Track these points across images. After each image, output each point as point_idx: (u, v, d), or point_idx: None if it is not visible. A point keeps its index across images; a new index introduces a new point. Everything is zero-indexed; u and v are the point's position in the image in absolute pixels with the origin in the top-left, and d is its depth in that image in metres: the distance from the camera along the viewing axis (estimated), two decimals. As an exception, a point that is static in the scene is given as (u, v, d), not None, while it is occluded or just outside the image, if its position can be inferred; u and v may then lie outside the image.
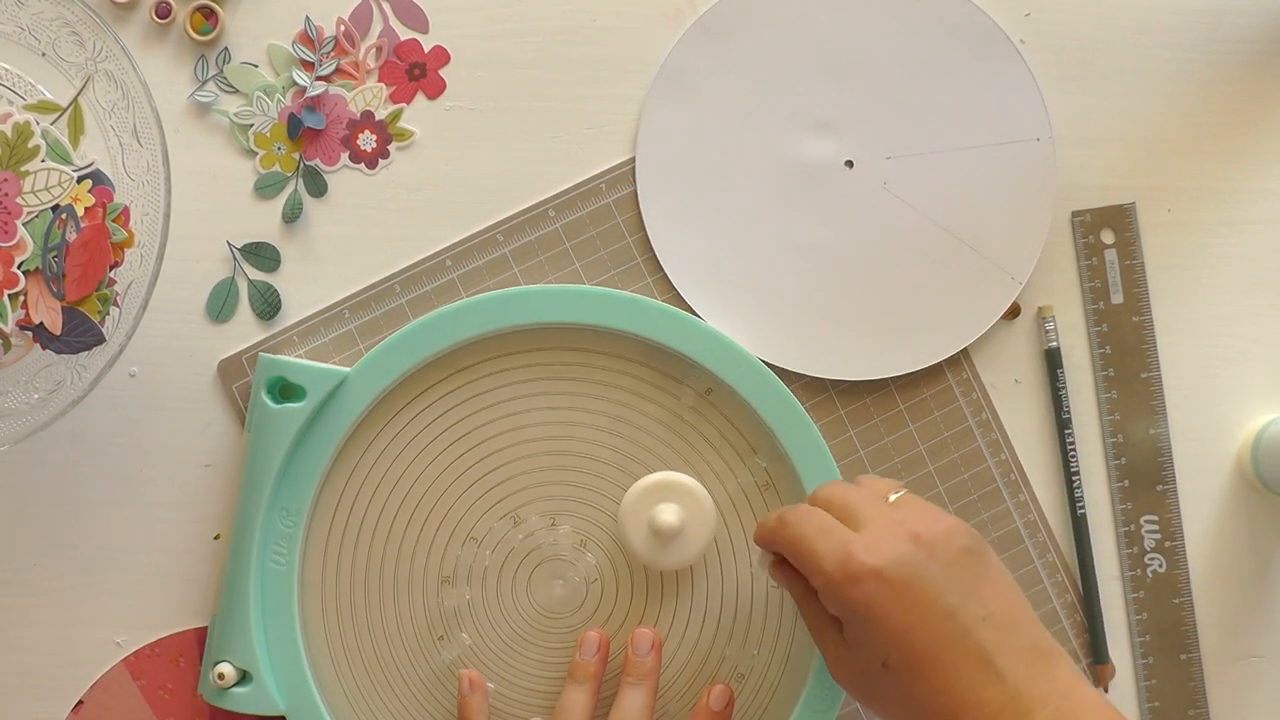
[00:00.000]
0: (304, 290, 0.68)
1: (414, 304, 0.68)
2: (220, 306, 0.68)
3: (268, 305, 0.68)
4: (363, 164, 0.69)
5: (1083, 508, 0.68)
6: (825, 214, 0.68)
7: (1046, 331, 0.69)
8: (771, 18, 0.68)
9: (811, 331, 0.68)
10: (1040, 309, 0.69)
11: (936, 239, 0.68)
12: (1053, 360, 0.69)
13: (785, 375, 0.67)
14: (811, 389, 0.68)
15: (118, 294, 0.62)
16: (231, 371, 0.68)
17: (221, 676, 0.64)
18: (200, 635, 0.67)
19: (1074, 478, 0.68)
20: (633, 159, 0.69)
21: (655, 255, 0.68)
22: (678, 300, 0.68)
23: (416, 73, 0.69)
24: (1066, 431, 0.68)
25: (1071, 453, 0.68)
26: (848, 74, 0.68)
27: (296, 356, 0.67)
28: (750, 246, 0.68)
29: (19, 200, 0.60)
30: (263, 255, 0.68)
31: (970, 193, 0.68)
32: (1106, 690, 0.68)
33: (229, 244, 0.68)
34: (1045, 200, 0.68)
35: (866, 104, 0.68)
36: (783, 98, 0.68)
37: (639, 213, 0.68)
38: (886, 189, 0.68)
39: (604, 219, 0.69)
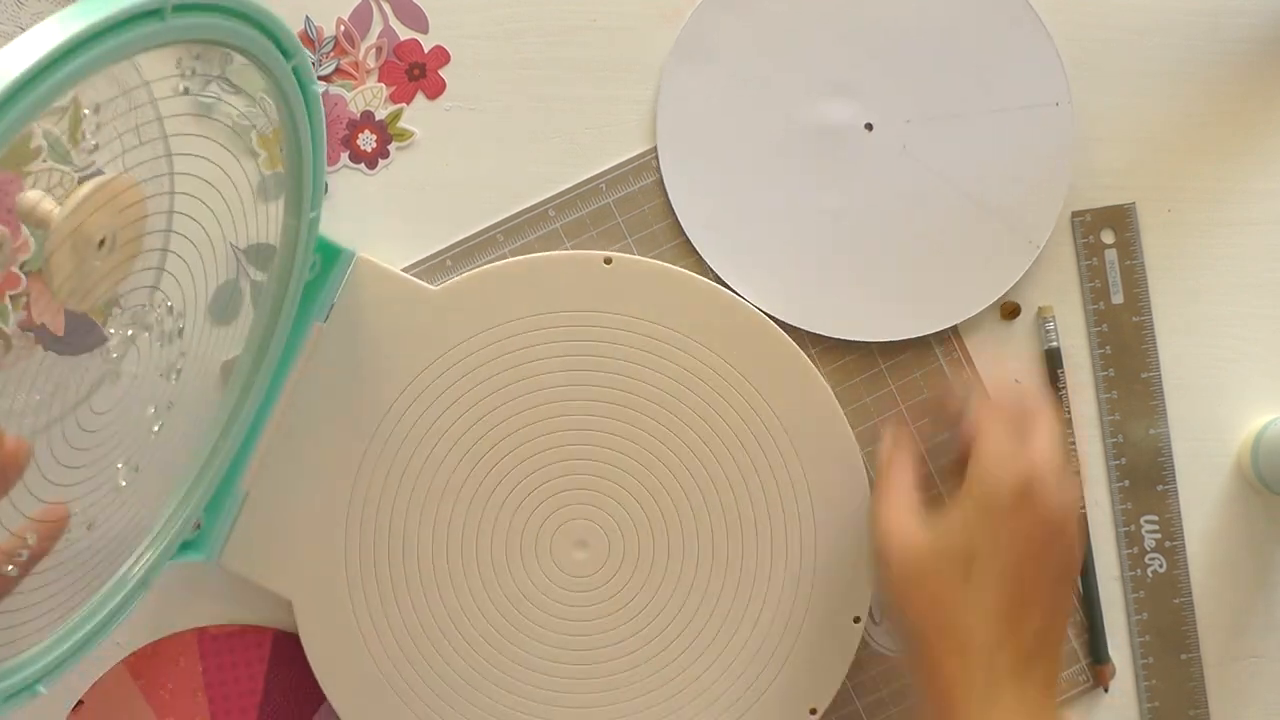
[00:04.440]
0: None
1: (415, 304, 0.68)
2: (224, 308, 0.68)
3: None
4: (363, 164, 0.69)
5: (1083, 507, 0.68)
6: (844, 177, 0.68)
7: (1046, 331, 0.69)
8: None
9: (832, 295, 0.68)
10: (1040, 309, 0.69)
11: (956, 203, 0.68)
12: (1053, 360, 0.69)
13: (799, 336, 0.68)
14: (832, 351, 0.69)
15: (120, 295, 0.62)
16: (232, 372, 0.68)
17: (196, 526, 0.64)
18: (200, 636, 0.67)
19: (1074, 477, 0.68)
20: (630, 160, 0.69)
21: (679, 223, 0.68)
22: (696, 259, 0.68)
23: (416, 73, 0.69)
24: (1067, 432, 0.69)
25: (1072, 452, 0.68)
26: (866, 37, 0.68)
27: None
28: (768, 209, 0.68)
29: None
30: (266, 257, 0.68)
31: (989, 157, 0.68)
32: (1107, 690, 0.68)
33: (231, 245, 0.68)
34: (1064, 166, 0.68)
35: (886, 67, 0.68)
36: (802, 61, 0.68)
37: (663, 199, 0.68)
38: (906, 152, 0.68)
39: (604, 219, 0.69)
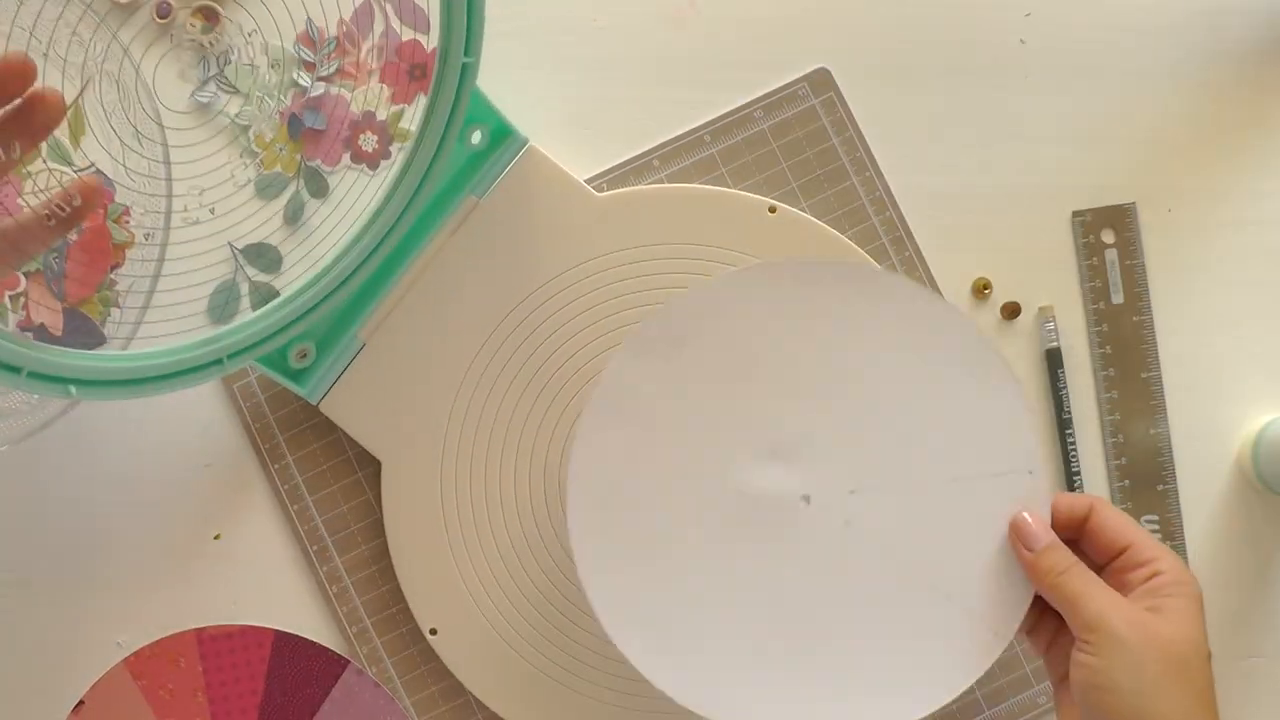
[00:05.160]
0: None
1: (415, 304, 0.68)
2: (222, 307, 0.68)
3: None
4: (364, 164, 0.69)
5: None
6: (778, 556, 0.59)
7: (1047, 331, 0.69)
8: (718, 329, 0.60)
9: (766, 688, 0.59)
10: (1040, 309, 0.69)
11: (908, 588, 0.59)
12: (1053, 360, 0.69)
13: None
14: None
15: (119, 295, 0.62)
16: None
17: (303, 355, 0.64)
18: (199, 636, 0.67)
19: (1075, 478, 0.68)
20: (626, 161, 0.69)
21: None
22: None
23: (418, 73, 0.69)
24: (1068, 432, 0.68)
25: (1072, 452, 0.68)
26: (806, 394, 0.60)
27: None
28: (690, 587, 0.59)
29: (20, 201, 0.60)
30: (265, 257, 0.68)
31: (948, 533, 0.59)
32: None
33: (230, 245, 0.68)
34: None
35: (829, 428, 0.59)
36: (731, 419, 0.60)
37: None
38: (849, 528, 0.59)
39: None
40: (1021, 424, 0.59)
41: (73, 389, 0.53)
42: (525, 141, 0.67)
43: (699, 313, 0.59)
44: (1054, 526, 0.59)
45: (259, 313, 0.60)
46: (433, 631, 0.67)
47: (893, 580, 0.59)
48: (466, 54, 0.59)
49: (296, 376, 0.65)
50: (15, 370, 0.52)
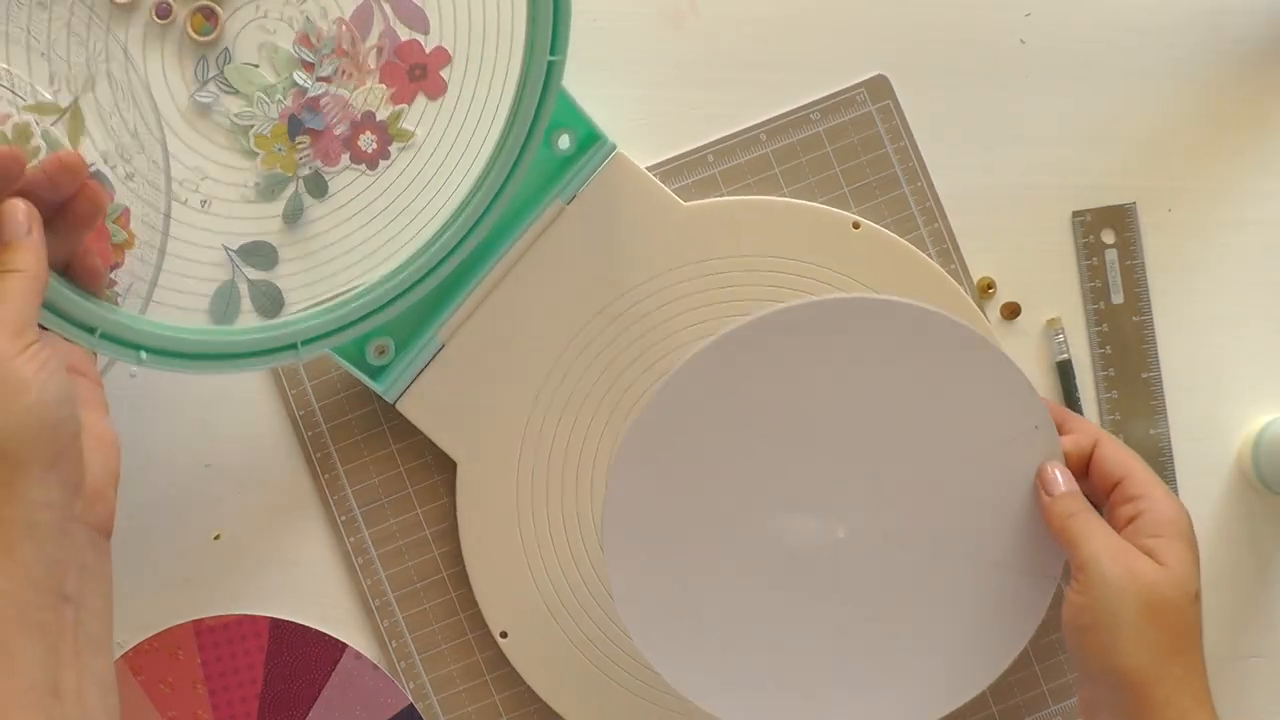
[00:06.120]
0: (305, 291, 0.68)
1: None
2: (223, 311, 0.68)
3: (271, 303, 0.68)
4: (364, 165, 0.69)
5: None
6: (817, 585, 0.62)
7: (1058, 343, 0.69)
8: (736, 380, 0.60)
9: (817, 697, 0.62)
10: (1049, 321, 0.69)
11: (952, 569, 0.62)
12: (1065, 372, 0.68)
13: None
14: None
15: (118, 295, 0.62)
16: (232, 371, 0.68)
17: (381, 351, 0.64)
18: (197, 628, 0.67)
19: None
20: (680, 155, 0.69)
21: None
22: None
23: (418, 73, 0.69)
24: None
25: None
26: (824, 437, 0.61)
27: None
28: (729, 620, 0.62)
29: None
30: (261, 255, 0.68)
31: (980, 510, 0.62)
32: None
33: (225, 247, 0.68)
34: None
35: (849, 460, 0.61)
36: (757, 469, 0.61)
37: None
38: (887, 543, 0.62)
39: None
40: (1020, 387, 0.61)
41: (143, 354, 0.55)
42: (613, 147, 0.67)
43: (721, 366, 0.60)
44: (1068, 464, 0.61)
45: (336, 301, 0.61)
46: (503, 635, 0.67)
47: (939, 572, 0.62)
48: (553, 52, 0.59)
49: (374, 373, 0.65)
50: (90, 330, 0.53)
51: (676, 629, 0.61)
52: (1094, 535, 0.58)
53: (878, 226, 0.68)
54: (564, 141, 0.65)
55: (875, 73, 0.69)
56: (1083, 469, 0.62)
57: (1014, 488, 0.62)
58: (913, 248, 0.68)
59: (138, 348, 0.54)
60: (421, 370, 0.66)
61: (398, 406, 0.66)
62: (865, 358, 0.60)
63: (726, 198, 0.69)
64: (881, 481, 0.61)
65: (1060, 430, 0.63)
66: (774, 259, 0.67)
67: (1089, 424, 0.64)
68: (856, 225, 0.68)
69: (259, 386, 0.68)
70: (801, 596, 0.62)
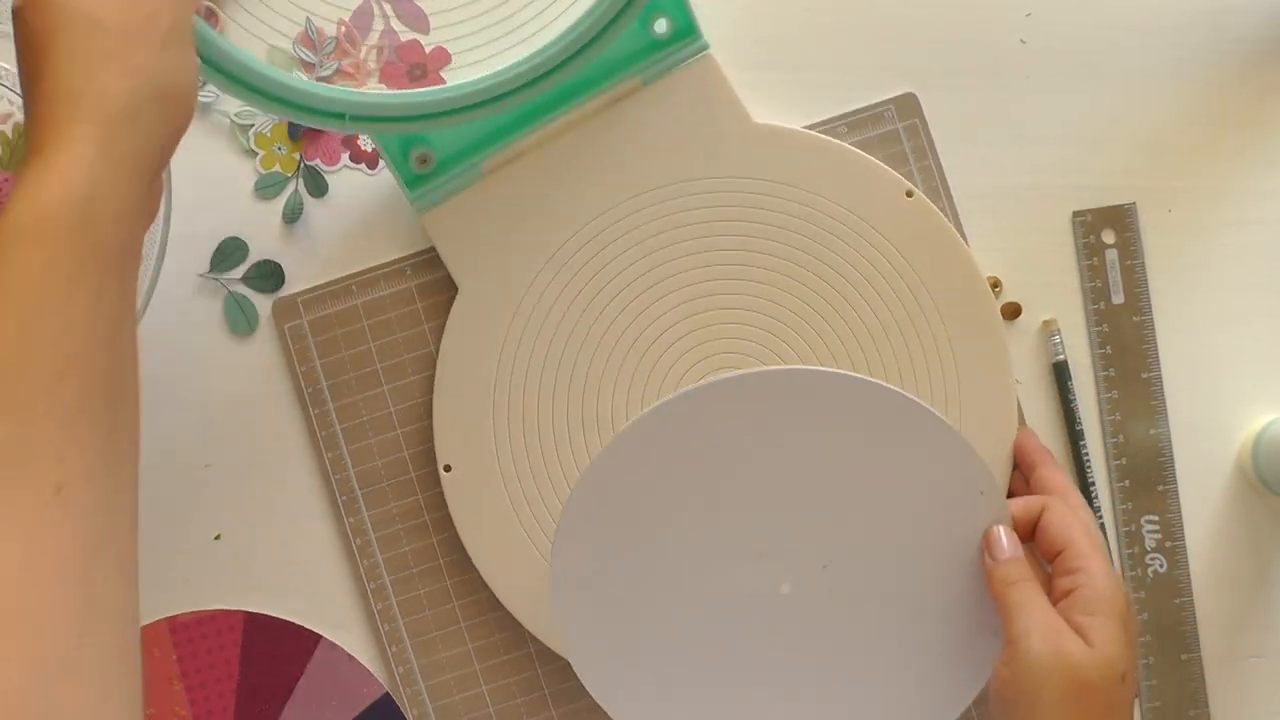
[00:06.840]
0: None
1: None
2: (236, 319, 0.68)
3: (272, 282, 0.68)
4: (363, 164, 0.69)
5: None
6: (764, 634, 0.63)
7: (1054, 344, 0.69)
8: (689, 440, 0.62)
9: None
10: (1045, 322, 0.69)
11: (901, 627, 0.63)
12: (1061, 373, 0.69)
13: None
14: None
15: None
16: (233, 371, 0.68)
17: (423, 160, 0.65)
18: (170, 625, 0.67)
19: (1090, 488, 0.68)
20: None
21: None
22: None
23: (418, 74, 0.69)
24: (1081, 443, 0.68)
25: (1087, 463, 0.68)
26: (770, 496, 0.62)
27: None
28: (681, 666, 0.63)
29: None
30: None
31: (926, 571, 0.63)
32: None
33: (217, 278, 0.68)
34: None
35: (795, 520, 0.62)
36: (703, 526, 0.62)
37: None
38: (833, 599, 0.63)
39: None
40: (966, 453, 0.61)
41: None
42: (706, 46, 0.67)
43: (667, 430, 0.61)
44: (1015, 528, 0.62)
45: (399, 91, 0.61)
46: (447, 468, 0.67)
47: (886, 626, 0.63)
48: None
49: (412, 180, 0.65)
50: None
51: (633, 684, 0.63)
52: (1029, 610, 0.58)
53: (929, 202, 0.68)
54: (660, 25, 0.66)
55: (905, 90, 0.69)
56: (1030, 533, 0.62)
57: (961, 549, 0.62)
58: (956, 234, 0.68)
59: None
60: (455, 194, 0.66)
61: (421, 219, 0.66)
62: (810, 425, 0.61)
63: (798, 127, 0.68)
64: (827, 540, 0.62)
65: (1031, 472, 0.64)
66: (822, 200, 0.67)
67: (1058, 475, 0.64)
68: (910, 194, 0.67)
69: (259, 387, 0.68)
70: (751, 650, 0.63)
